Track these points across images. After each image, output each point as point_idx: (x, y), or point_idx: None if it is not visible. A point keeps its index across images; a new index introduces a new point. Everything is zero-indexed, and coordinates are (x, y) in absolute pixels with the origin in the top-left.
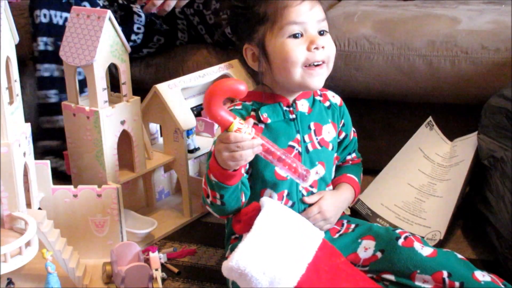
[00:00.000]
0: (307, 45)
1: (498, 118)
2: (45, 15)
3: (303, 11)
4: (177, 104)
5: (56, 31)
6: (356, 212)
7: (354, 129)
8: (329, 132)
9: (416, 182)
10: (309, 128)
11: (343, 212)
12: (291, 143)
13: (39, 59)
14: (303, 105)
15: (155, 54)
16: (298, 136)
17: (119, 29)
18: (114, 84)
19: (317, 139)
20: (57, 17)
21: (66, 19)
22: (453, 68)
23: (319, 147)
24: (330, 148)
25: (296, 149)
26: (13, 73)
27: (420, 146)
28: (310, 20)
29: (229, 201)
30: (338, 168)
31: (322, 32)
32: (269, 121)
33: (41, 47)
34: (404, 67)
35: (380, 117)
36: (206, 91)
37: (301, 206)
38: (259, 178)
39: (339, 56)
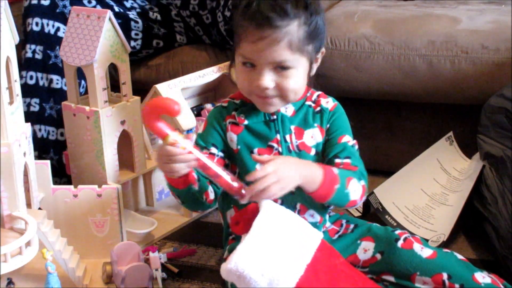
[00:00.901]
0: (253, 81)
1: (498, 118)
2: (37, 24)
3: (255, 50)
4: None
5: (47, 40)
6: (368, 204)
7: (354, 140)
8: (312, 137)
9: (429, 189)
10: (290, 130)
11: (343, 211)
12: (270, 143)
13: (25, 66)
14: (287, 108)
15: (155, 55)
16: (278, 136)
17: (119, 29)
18: (113, 84)
19: (296, 142)
20: (49, 26)
21: (58, 29)
22: (453, 68)
23: (296, 150)
24: (312, 153)
25: (276, 149)
26: (13, 73)
27: (438, 157)
28: (261, 60)
29: (187, 201)
30: None
31: (284, 67)
32: (246, 122)
33: (29, 54)
34: (404, 67)
35: (380, 117)
36: (145, 105)
37: (290, 204)
38: (245, 178)
39: (339, 55)
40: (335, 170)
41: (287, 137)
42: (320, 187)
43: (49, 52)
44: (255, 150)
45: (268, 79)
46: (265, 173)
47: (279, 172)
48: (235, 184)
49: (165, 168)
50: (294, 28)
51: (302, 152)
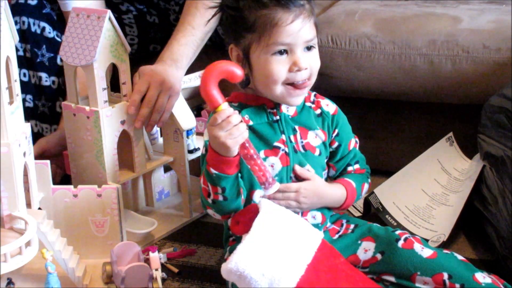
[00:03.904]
0: (290, 66)
1: (498, 117)
2: (23, 22)
3: (292, 31)
4: (177, 104)
5: (34, 39)
6: (368, 204)
7: (356, 140)
8: (315, 137)
9: (430, 190)
10: (294, 130)
11: (342, 210)
12: (276, 144)
13: (18, 64)
14: (288, 108)
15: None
16: (283, 137)
17: (119, 29)
18: (113, 83)
19: (301, 142)
20: (35, 25)
21: (44, 29)
22: (454, 68)
23: (302, 151)
24: (316, 153)
25: (282, 150)
26: (13, 72)
27: (439, 158)
28: (297, 41)
29: (231, 194)
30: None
31: (309, 47)
32: (251, 123)
33: (20, 52)
34: (405, 66)
35: (380, 116)
36: (205, 69)
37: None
38: (248, 179)
39: (340, 54)
40: (353, 183)
41: (292, 137)
42: (344, 204)
43: (36, 51)
44: (262, 152)
45: (304, 59)
46: (288, 191)
47: (300, 195)
48: (268, 173)
49: (231, 135)
50: (310, 8)
51: (307, 152)
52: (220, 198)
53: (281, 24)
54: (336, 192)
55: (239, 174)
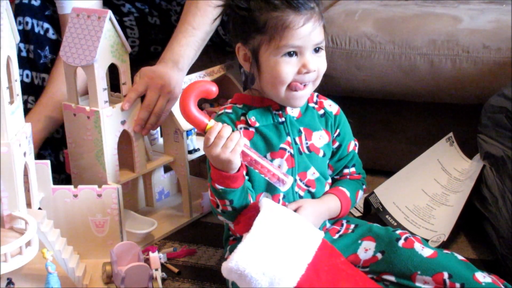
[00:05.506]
0: (299, 68)
1: (498, 117)
2: (27, 23)
3: (302, 34)
4: (177, 105)
5: (36, 40)
6: (368, 204)
7: (356, 143)
8: (320, 138)
9: (430, 190)
10: (300, 131)
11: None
12: (282, 145)
13: (20, 64)
14: (293, 110)
15: (156, 56)
16: (289, 139)
17: (119, 29)
18: (113, 84)
19: (306, 143)
20: (39, 26)
21: (47, 30)
22: (454, 67)
23: (307, 152)
24: (320, 154)
25: (288, 151)
26: (14, 72)
27: (439, 158)
28: (307, 43)
29: (239, 204)
30: (334, 181)
31: (317, 49)
32: (257, 124)
33: (24, 53)
34: (405, 66)
35: (380, 116)
36: (180, 96)
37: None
38: (254, 183)
39: (340, 54)
40: (347, 192)
41: (297, 139)
42: (339, 215)
43: (39, 52)
44: (268, 154)
45: (313, 62)
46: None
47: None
48: (278, 171)
49: (227, 148)
50: (319, 11)
51: (312, 153)
52: (229, 209)
53: (292, 27)
54: (331, 205)
55: (247, 178)
